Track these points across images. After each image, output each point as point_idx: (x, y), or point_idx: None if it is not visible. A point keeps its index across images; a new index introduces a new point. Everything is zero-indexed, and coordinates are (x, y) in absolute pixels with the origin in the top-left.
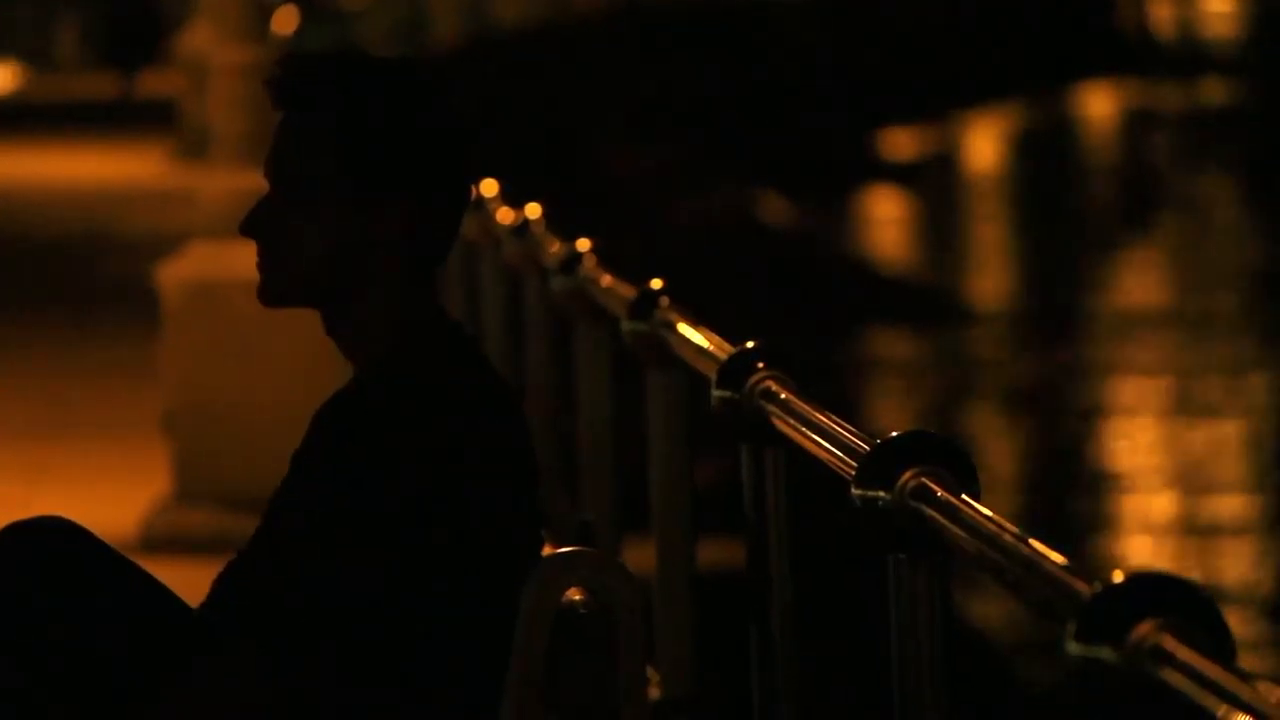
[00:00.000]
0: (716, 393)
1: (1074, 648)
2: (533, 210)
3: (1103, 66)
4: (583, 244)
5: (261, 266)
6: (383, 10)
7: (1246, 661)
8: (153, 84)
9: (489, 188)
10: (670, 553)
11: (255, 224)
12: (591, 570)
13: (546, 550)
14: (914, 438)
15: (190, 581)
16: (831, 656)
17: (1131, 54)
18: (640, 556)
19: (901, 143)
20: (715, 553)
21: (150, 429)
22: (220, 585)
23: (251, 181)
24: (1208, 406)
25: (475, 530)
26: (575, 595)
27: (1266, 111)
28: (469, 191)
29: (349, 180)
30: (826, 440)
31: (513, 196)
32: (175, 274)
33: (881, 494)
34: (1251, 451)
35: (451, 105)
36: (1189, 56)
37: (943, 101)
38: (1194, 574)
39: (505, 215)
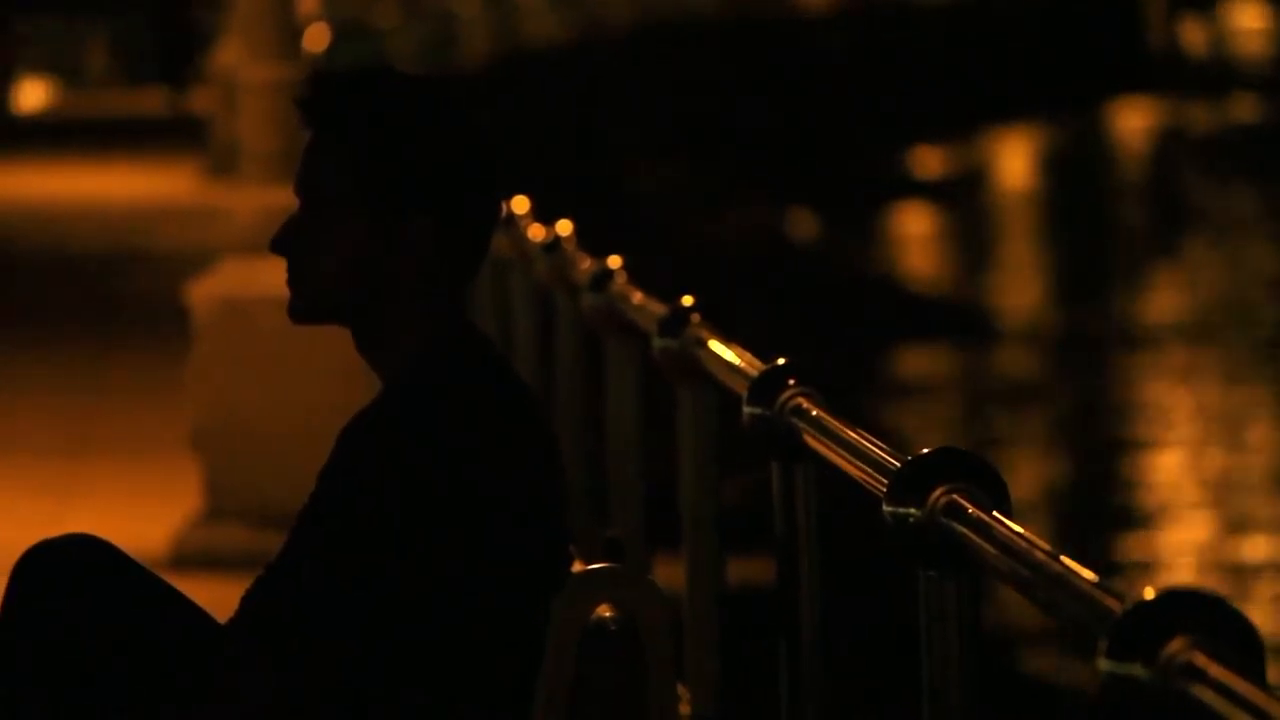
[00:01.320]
0: (747, 409)
1: (1105, 664)
2: (564, 227)
3: (1133, 84)
4: (614, 261)
5: (291, 284)
6: (413, 28)
7: (1278, 679)
8: (185, 101)
9: (520, 204)
10: (699, 570)
11: (285, 242)
12: (620, 587)
13: (575, 567)
14: (945, 455)
15: (220, 598)
16: (861, 674)
17: (1162, 71)
18: (670, 573)
19: (932, 160)
20: (745, 570)
21: (181, 446)
22: (248, 602)
23: (282, 199)
24: (1240, 426)
25: (503, 547)
26: (604, 612)
27: None
28: (499, 208)
29: (379, 198)
30: (857, 457)
31: (544, 213)
32: (205, 291)
33: (913, 511)
34: None
35: (481, 123)
36: (1219, 74)
37: (973, 119)
38: (1225, 591)
39: (536, 232)
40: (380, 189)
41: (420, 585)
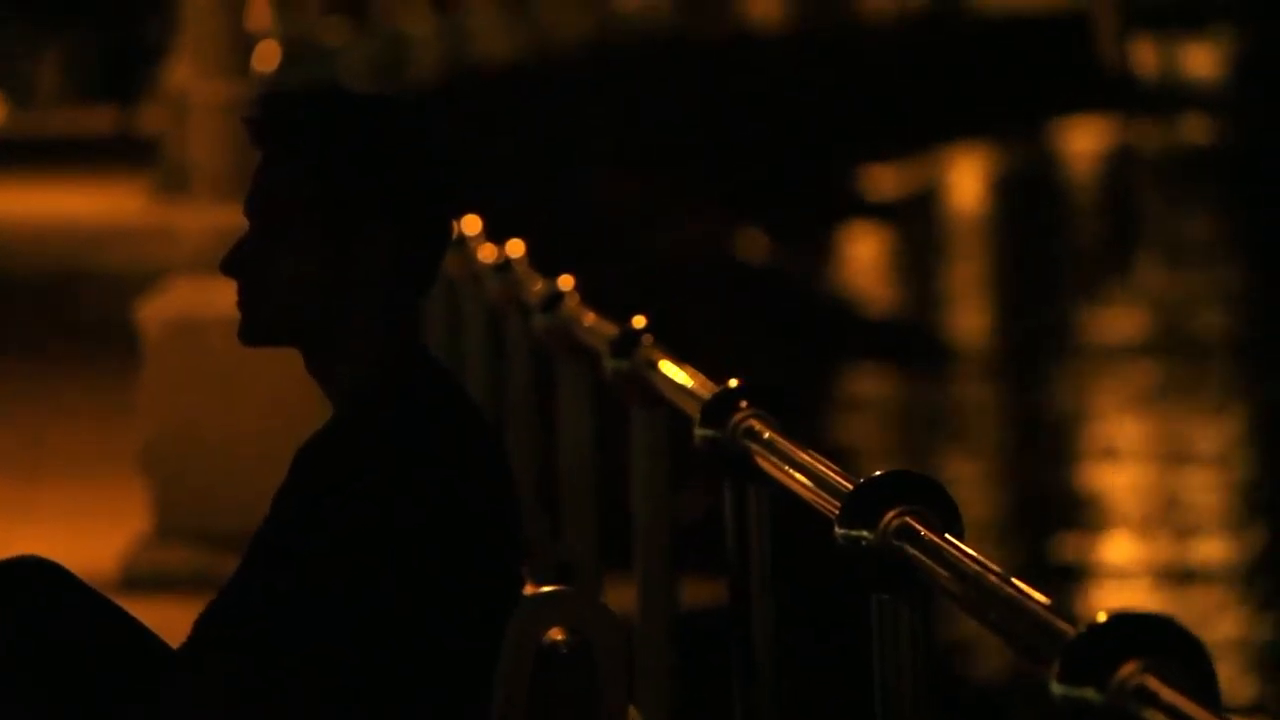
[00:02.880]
0: (699, 431)
1: (1058, 689)
2: (515, 248)
3: (1084, 103)
4: (565, 282)
5: (242, 305)
6: (363, 46)
7: (1231, 702)
8: (136, 119)
9: (471, 225)
10: (652, 591)
11: (236, 263)
12: (572, 609)
13: (528, 589)
14: (897, 477)
15: (171, 620)
16: (814, 696)
17: (1113, 91)
18: (622, 595)
19: (883, 180)
20: (697, 591)
21: (130, 467)
22: (200, 625)
23: (232, 218)
24: (1189, 445)
25: (456, 569)
26: (557, 635)
27: (1247, 150)
28: (450, 228)
29: (329, 218)
30: (809, 479)
31: (494, 234)
32: (155, 311)
33: (865, 534)
34: (1231, 491)
35: (432, 141)
36: (1170, 94)
37: (925, 139)
38: (1176, 614)
39: (487, 252)
40: (331, 209)
41: (374, 609)
